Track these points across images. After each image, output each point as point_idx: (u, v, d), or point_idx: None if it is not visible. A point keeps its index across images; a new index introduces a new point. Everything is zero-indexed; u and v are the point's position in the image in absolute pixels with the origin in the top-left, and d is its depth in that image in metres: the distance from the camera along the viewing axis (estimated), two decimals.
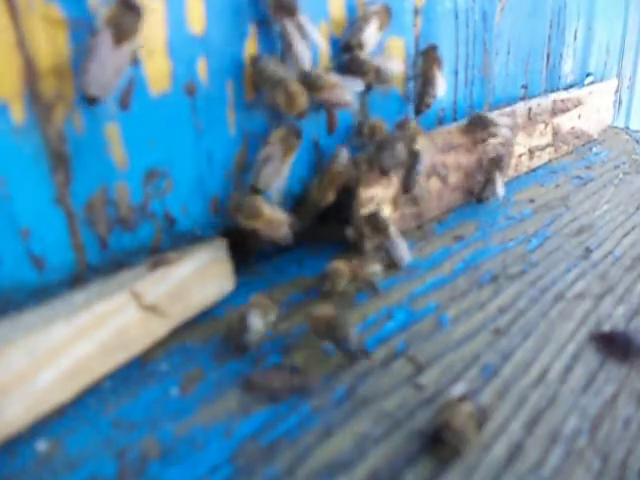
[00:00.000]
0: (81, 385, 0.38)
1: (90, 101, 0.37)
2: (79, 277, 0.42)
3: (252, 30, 0.47)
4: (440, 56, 0.61)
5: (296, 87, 0.47)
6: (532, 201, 0.72)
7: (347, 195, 0.55)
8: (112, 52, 0.37)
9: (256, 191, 0.48)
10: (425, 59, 0.61)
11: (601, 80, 1.03)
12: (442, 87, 0.61)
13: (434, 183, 0.64)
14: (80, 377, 0.38)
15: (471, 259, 0.57)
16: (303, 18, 0.48)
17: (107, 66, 0.37)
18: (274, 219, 0.48)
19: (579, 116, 0.91)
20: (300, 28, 0.47)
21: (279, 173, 0.49)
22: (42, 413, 0.35)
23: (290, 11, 0.47)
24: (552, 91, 0.89)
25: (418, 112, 0.62)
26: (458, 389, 0.37)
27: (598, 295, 0.50)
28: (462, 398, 0.36)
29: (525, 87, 0.83)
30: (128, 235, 0.44)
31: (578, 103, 0.90)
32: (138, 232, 0.44)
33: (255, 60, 0.47)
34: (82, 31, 0.37)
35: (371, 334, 0.45)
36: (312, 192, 0.54)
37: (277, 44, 0.49)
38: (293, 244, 0.52)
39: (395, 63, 0.57)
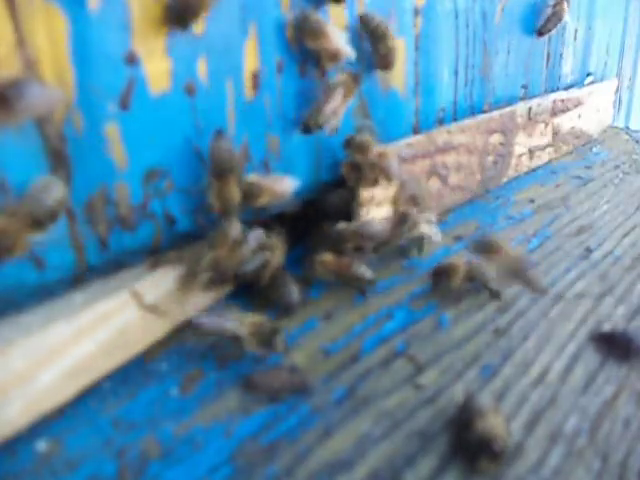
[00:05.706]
0: (81, 385, 0.38)
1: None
2: (79, 277, 0.42)
3: (252, 30, 0.47)
4: None
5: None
6: (532, 201, 0.72)
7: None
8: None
9: (310, 127, 0.50)
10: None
11: (601, 80, 1.03)
12: (566, 15, 0.79)
13: (434, 183, 0.64)
14: (80, 377, 0.38)
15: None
16: None
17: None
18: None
19: (579, 116, 0.91)
20: None
21: (337, 113, 0.52)
22: (42, 413, 0.35)
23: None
24: (552, 91, 0.89)
25: (540, 33, 0.80)
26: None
27: (598, 295, 0.50)
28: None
29: (525, 87, 0.83)
30: (128, 235, 0.44)
31: (578, 103, 0.90)
32: (138, 232, 0.44)
33: None
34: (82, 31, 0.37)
35: (371, 334, 0.45)
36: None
37: (278, 45, 0.49)
38: (293, 244, 0.52)
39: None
